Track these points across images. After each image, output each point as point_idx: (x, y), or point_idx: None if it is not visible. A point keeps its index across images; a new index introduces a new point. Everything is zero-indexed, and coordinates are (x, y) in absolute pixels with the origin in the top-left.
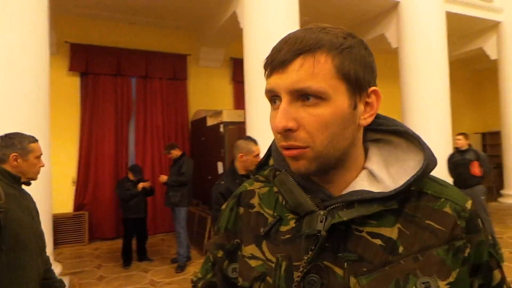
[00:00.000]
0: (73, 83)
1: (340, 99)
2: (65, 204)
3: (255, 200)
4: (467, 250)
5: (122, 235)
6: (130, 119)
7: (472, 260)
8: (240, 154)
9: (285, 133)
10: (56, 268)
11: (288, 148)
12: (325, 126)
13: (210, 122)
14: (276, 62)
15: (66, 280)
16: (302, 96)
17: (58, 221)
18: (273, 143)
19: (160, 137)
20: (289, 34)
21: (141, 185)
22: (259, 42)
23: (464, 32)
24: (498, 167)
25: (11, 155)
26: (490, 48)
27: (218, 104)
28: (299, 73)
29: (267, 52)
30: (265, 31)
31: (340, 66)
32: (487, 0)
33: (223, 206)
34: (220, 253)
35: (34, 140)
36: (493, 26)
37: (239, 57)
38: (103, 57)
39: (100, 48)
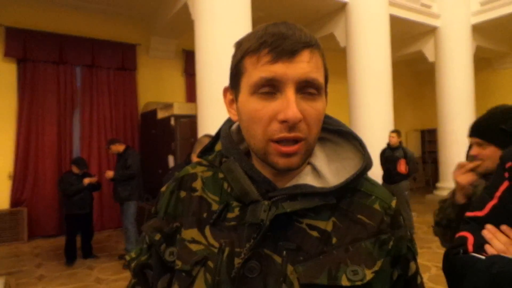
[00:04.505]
0: (9, 70)
1: (324, 95)
2: (0, 200)
3: (197, 184)
4: (391, 243)
5: (65, 232)
6: (75, 111)
7: (393, 252)
8: None
9: (296, 124)
10: None
11: (285, 139)
12: (319, 120)
13: (160, 115)
14: (283, 50)
15: (1, 281)
16: (304, 88)
17: None
18: (223, 129)
19: (107, 130)
20: (280, 26)
21: (87, 180)
22: (210, 34)
23: (405, 35)
24: (434, 162)
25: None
26: (428, 51)
27: (169, 96)
28: (310, 65)
29: (218, 44)
30: (216, 24)
31: (325, 67)
32: (426, 6)
33: (163, 189)
34: (157, 236)
35: None
36: (431, 31)
37: (192, 49)
38: (43, 43)
39: (39, 33)
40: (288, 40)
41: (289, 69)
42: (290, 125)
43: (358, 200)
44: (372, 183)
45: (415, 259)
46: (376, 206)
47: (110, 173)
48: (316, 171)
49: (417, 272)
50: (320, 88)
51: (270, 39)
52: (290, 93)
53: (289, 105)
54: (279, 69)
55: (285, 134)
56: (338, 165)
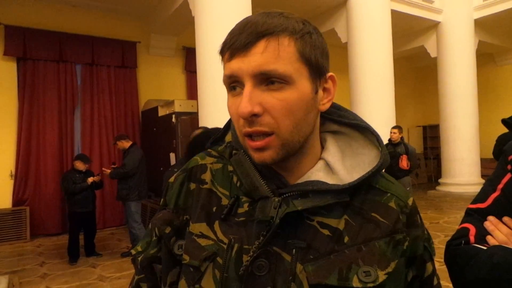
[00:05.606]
0: (9, 69)
1: (303, 83)
2: (2, 199)
3: (207, 176)
4: (406, 243)
5: (67, 231)
6: (75, 109)
7: (409, 252)
8: None
9: (250, 118)
10: None
11: (253, 134)
12: (290, 111)
13: (161, 112)
14: (237, 45)
15: (4, 280)
16: (266, 80)
17: None
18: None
19: (108, 128)
20: (247, 18)
21: (90, 179)
22: (211, 31)
23: (407, 31)
24: (437, 158)
25: None
26: (430, 46)
27: (170, 94)
28: (264, 56)
29: (219, 41)
30: (216, 20)
31: (303, 50)
32: (428, 1)
33: (171, 179)
34: (168, 229)
35: None
36: (433, 26)
37: (192, 46)
38: (43, 42)
39: (39, 31)
40: (243, 34)
41: (244, 63)
42: (245, 120)
43: (372, 198)
44: (388, 179)
45: (432, 260)
46: (392, 204)
47: (107, 171)
48: (329, 166)
49: (433, 273)
50: (285, 77)
51: (229, 37)
52: (246, 87)
53: (241, 100)
54: (234, 65)
55: (246, 129)
56: (352, 161)
